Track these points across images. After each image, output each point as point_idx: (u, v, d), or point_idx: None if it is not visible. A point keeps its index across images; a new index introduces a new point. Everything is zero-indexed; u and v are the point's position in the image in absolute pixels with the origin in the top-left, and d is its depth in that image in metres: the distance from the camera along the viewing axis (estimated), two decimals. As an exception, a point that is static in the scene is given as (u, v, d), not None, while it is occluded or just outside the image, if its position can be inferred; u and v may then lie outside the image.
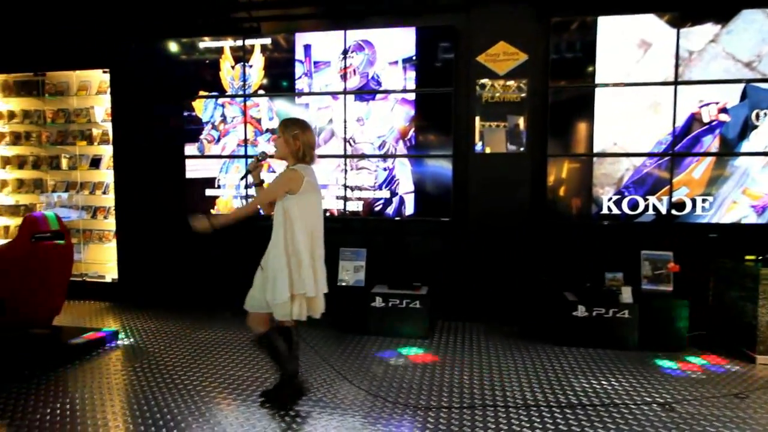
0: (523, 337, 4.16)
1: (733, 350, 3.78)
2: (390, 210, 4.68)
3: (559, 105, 4.35)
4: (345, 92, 4.69)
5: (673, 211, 4.21)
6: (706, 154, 4.15)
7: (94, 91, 5.36)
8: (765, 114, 4.05)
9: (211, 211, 5.04)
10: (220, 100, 5.00)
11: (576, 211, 4.40)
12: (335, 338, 4.14)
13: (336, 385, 3.18)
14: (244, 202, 4.95)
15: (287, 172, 2.73)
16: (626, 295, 3.92)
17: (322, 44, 4.72)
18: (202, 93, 5.03)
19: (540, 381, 3.28)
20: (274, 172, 4.85)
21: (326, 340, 4.10)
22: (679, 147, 4.19)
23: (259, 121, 4.94)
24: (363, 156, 4.70)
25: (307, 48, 4.75)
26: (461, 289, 4.63)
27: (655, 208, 4.24)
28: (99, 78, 5.33)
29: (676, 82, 4.15)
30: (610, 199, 4.31)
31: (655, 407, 2.89)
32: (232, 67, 4.94)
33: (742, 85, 4.06)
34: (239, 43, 4.89)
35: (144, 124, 5.17)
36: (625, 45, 4.21)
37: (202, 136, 5.06)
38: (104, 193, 5.36)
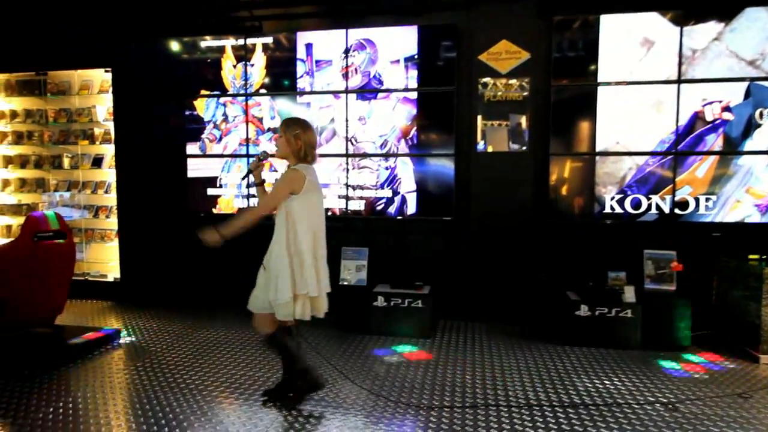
0: (525, 337, 4.15)
1: (737, 350, 3.77)
2: (392, 209, 4.67)
3: (562, 104, 4.34)
4: (347, 91, 4.68)
5: (676, 210, 4.20)
6: (710, 152, 4.13)
7: (95, 90, 5.36)
8: (769, 112, 4.03)
9: (212, 210, 5.04)
10: (222, 99, 4.99)
11: (578, 210, 4.38)
12: (337, 338, 4.14)
13: (338, 384, 3.17)
14: (245, 201, 4.95)
15: (289, 173, 2.72)
16: (629, 294, 3.90)
17: (323, 43, 4.71)
18: (203, 92, 5.02)
19: (542, 380, 3.27)
20: (276, 171, 4.85)
21: (328, 339, 4.10)
22: (682, 146, 4.17)
23: (260, 120, 4.93)
24: (365, 155, 4.69)
25: (309, 47, 4.74)
26: (463, 289, 4.62)
27: (658, 207, 4.23)
28: (101, 77, 5.33)
29: (679, 81, 4.13)
30: (612, 198, 4.30)
31: (658, 407, 2.88)
32: (234, 66, 4.93)
33: (745, 84, 4.04)
34: (241, 42, 4.88)
35: (145, 123, 5.17)
36: (627, 43, 4.20)
37: (203, 136, 5.06)
38: (106, 192, 5.36)
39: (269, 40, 4.84)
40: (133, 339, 4.09)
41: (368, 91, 4.65)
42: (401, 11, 4.64)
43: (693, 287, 4.02)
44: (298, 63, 4.77)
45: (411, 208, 4.63)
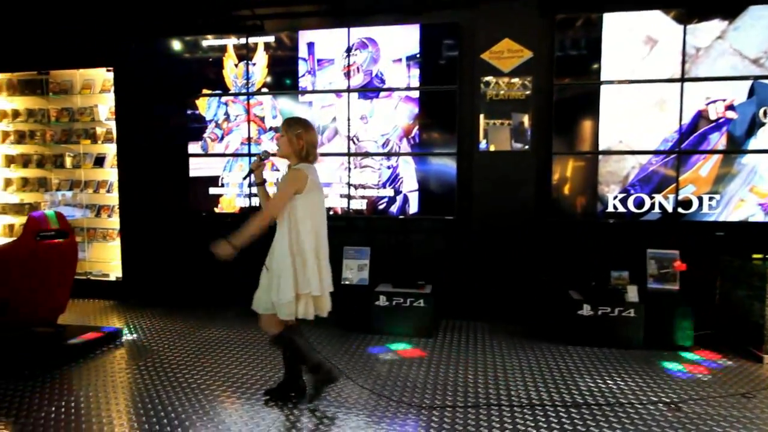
0: (527, 336, 4.14)
1: (740, 349, 3.75)
2: (394, 208, 4.66)
3: (564, 102, 4.32)
4: (348, 90, 4.67)
5: (680, 209, 4.18)
6: (713, 151, 4.11)
7: (97, 89, 5.36)
8: (773, 111, 4.01)
9: (214, 209, 5.04)
10: (224, 99, 4.99)
11: (581, 209, 4.37)
12: (339, 337, 4.13)
13: (340, 383, 3.16)
14: (247, 200, 4.95)
15: (292, 173, 2.72)
16: (632, 293, 3.89)
17: (325, 42, 4.70)
18: (205, 91, 5.02)
19: (545, 380, 3.26)
20: (278, 170, 4.85)
21: (330, 338, 4.09)
22: (686, 144, 4.15)
23: (262, 119, 4.93)
24: (367, 154, 4.69)
25: (311, 46, 4.74)
26: (466, 288, 4.61)
27: (661, 206, 4.21)
28: (103, 76, 5.34)
29: (682, 79, 4.11)
30: (615, 197, 4.28)
31: (661, 407, 2.86)
32: (236, 65, 4.93)
33: (749, 82, 4.02)
34: (242, 41, 4.88)
35: (147, 122, 5.17)
36: (630, 42, 4.18)
37: (205, 135, 5.06)
38: (108, 191, 5.37)
39: (271, 39, 4.83)
40: (135, 338, 4.09)
41: (370, 90, 4.64)
42: (403, 10, 4.63)
43: (696, 287, 4.01)
44: (300, 62, 4.77)
45: (413, 208, 4.62)
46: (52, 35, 5.20)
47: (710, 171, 4.12)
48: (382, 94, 4.62)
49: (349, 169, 4.72)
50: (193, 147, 5.07)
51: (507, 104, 4.40)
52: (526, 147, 4.40)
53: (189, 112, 5.07)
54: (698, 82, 4.09)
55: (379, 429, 2.61)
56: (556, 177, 4.38)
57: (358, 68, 4.65)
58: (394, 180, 4.65)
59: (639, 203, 4.25)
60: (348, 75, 4.67)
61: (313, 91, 4.77)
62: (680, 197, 4.17)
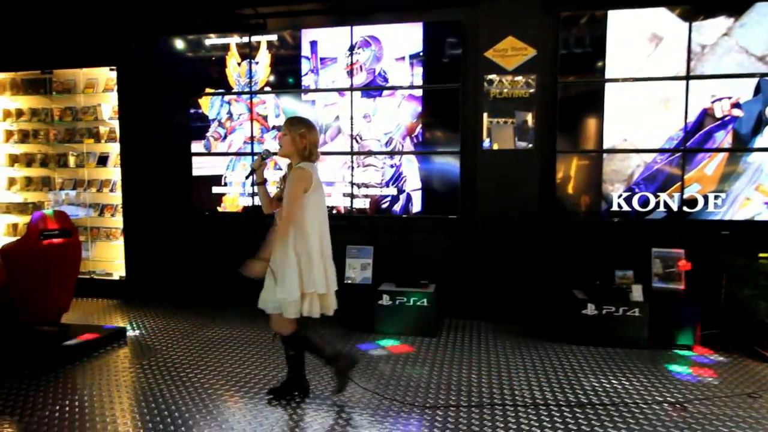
0: (531, 336, 4.13)
1: (746, 349, 3.73)
2: (397, 207, 4.65)
3: (569, 101, 4.30)
4: (351, 89, 4.66)
5: (685, 208, 4.15)
6: (719, 150, 4.08)
7: (101, 88, 5.36)
8: (779, 109, 3.98)
9: (217, 208, 5.04)
10: (227, 98, 4.99)
11: (585, 208, 4.35)
12: (342, 336, 4.13)
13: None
14: (250, 199, 4.95)
15: (298, 172, 2.72)
16: (636, 293, 3.87)
17: (328, 40, 4.69)
18: (208, 90, 5.02)
19: (549, 380, 3.25)
20: (280, 169, 4.84)
21: (333, 337, 4.09)
22: (691, 143, 4.12)
23: (265, 118, 4.92)
24: (370, 153, 4.68)
25: (314, 44, 4.73)
26: (469, 287, 4.60)
27: (666, 205, 4.18)
28: (106, 75, 5.34)
29: (687, 77, 4.08)
30: (620, 196, 4.26)
31: (666, 407, 2.85)
32: (239, 64, 4.92)
33: (755, 80, 3.99)
34: (245, 39, 4.87)
35: (151, 121, 5.18)
36: (635, 39, 4.15)
37: (208, 134, 5.05)
38: (111, 190, 5.37)
39: (274, 37, 4.82)
40: (139, 337, 4.10)
41: (373, 88, 4.63)
42: (406, 8, 4.61)
43: (701, 286, 3.98)
44: (303, 60, 4.76)
45: (416, 207, 4.61)
46: (55, 34, 5.20)
47: (716, 169, 4.10)
48: (385, 92, 4.61)
49: (352, 168, 4.71)
50: (196, 146, 5.07)
51: (511, 102, 4.38)
52: (530, 145, 4.38)
53: (192, 110, 5.07)
54: (704, 79, 4.06)
55: (382, 429, 2.60)
56: (560, 175, 4.36)
57: (361, 67, 4.63)
58: (397, 179, 4.64)
59: (644, 202, 4.22)
60: (351, 73, 4.66)
61: (316, 90, 4.76)
62: (685, 196, 4.15)
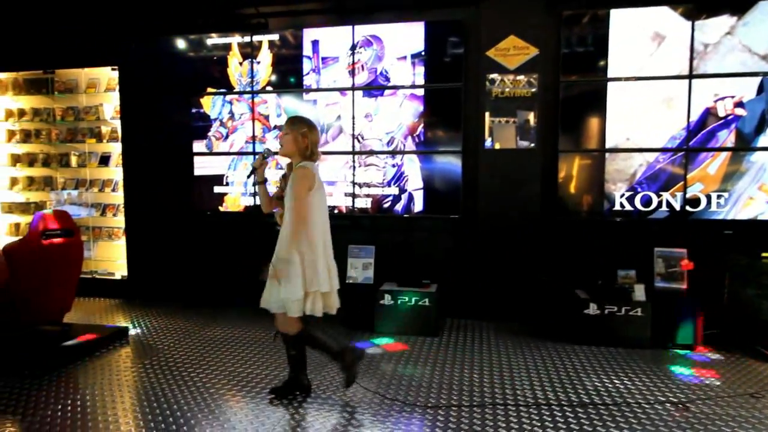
0: (533, 336, 4.12)
1: (749, 349, 3.72)
2: (399, 207, 4.65)
3: (571, 100, 4.29)
4: (353, 88, 4.66)
5: (687, 208, 4.14)
6: (722, 149, 4.07)
7: (102, 88, 5.37)
8: (782, 108, 3.96)
9: (219, 208, 5.04)
10: (228, 97, 4.99)
11: (587, 207, 4.34)
12: (344, 335, 4.12)
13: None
14: (252, 199, 4.95)
15: (302, 171, 2.72)
16: (639, 292, 3.86)
17: (330, 40, 4.69)
18: (210, 90, 5.02)
19: (551, 379, 3.24)
20: (282, 168, 4.84)
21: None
22: (694, 142, 4.11)
23: (267, 117, 4.92)
24: (371, 152, 4.67)
25: (315, 44, 4.72)
26: (471, 287, 4.59)
27: (668, 204, 4.17)
28: (108, 75, 5.35)
29: (690, 76, 4.07)
30: (622, 196, 4.25)
31: (668, 407, 2.84)
32: (240, 64, 4.92)
33: (758, 79, 3.97)
34: (247, 39, 4.87)
35: (152, 121, 5.18)
36: (638, 38, 4.14)
37: (210, 133, 5.06)
38: (113, 190, 5.38)
39: (275, 37, 4.82)
40: (141, 336, 4.10)
41: (375, 87, 4.62)
42: (408, 7, 4.60)
43: (704, 286, 3.97)
44: (305, 60, 4.75)
45: (418, 206, 4.60)
46: (57, 34, 5.21)
47: (718, 169, 4.08)
48: (386, 92, 4.60)
49: (354, 167, 4.71)
50: (198, 145, 5.07)
51: (513, 102, 4.37)
52: (532, 145, 4.37)
53: (194, 110, 5.07)
54: (706, 78, 4.05)
55: (384, 428, 2.60)
56: (562, 175, 4.35)
57: (362, 66, 4.63)
58: (399, 178, 4.63)
59: (646, 201, 4.21)
60: (353, 73, 4.65)
61: (318, 89, 4.76)
62: (688, 195, 4.13)
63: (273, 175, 4.72)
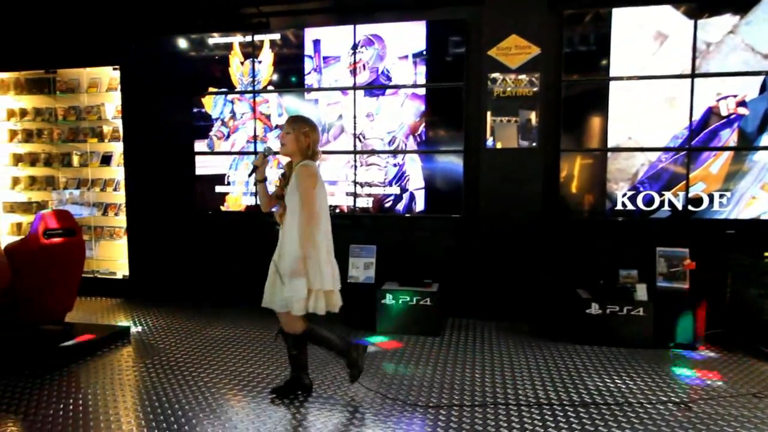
0: (535, 335, 4.11)
1: (751, 349, 3.71)
2: (400, 206, 4.64)
3: (573, 99, 4.28)
4: (355, 87, 4.65)
5: (690, 207, 4.13)
6: (724, 148, 4.06)
7: (104, 88, 5.37)
8: (785, 107, 3.95)
9: (221, 207, 5.04)
10: (230, 97, 4.99)
11: (589, 207, 4.33)
12: (345, 335, 4.12)
13: (346, 382, 3.15)
14: (253, 198, 4.95)
15: (306, 169, 2.73)
16: (641, 292, 3.85)
17: (331, 39, 4.68)
18: (211, 89, 5.02)
19: (553, 379, 3.23)
20: (282, 169, 4.84)
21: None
22: (696, 141, 4.10)
23: (268, 117, 4.92)
24: (373, 152, 4.67)
25: (317, 43, 4.72)
26: (472, 287, 4.58)
27: (670, 203, 4.16)
28: (109, 75, 5.35)
29: (693, 75, 4.06)
30: (624, 195, 4.24)
31: (670, 406, 2.83)
32: (242, 63, 4.92)
33: (761, 78, 3.96)
34: (248, 38, 4.87)
35: (154, 120, 5.18)
36: (640, 37, 4.13)
37: (211, 133, 5.06)
38: (115, 190, 5.38)
39: (277, 36, 4.82)
40: (142, 336, 4.11)
41: (376, 87, 4.62)
42: (410, 6, 4.60)
43: (706, 285, 3.96)
44: (306, 59, 4.75)
45: (419, 206, 4.60)
46: (59, 34, 5.21)
47: (721, 168, 4.07)
48: (388, 91, 4.60)
49: (355, 167, 4.70)
50: (200, 145, 5.08)
51: (514, 101, 4.36)
52: (534, 144, 4.36)
53: (195, 110, 5.07)
54: (709, 77, 4.04)
55: (386, 428, 2.60)
56: (564, 174, 4.34)
57: (364, 65, 4.63)
58: (400, 178, 4.63)
59: (648, 201, 4.20)
60: (354, 72, 4.65)
61: (319, 89, 4.75)
62: (690, 195, 4.12)
63: (274, 175, 4.72)
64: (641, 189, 4.21)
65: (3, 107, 5.59)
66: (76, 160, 5.50)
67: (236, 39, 4.91)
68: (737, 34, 3.97)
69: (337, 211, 4.75)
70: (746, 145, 4.02)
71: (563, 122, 4.30)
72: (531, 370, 3.40)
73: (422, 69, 4.51)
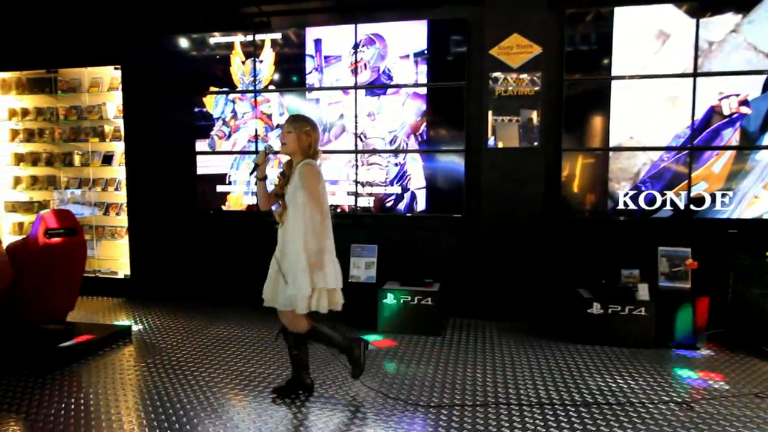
0: (536, 335, 4.11)
1: (753, 348, 3.70)
2: (401, 206, 4.64)
3: (574, 98, 4.28)
4: (356, 87, 4.65)
5: (692, 207, 4.12)
6: (726, 147, 4.05)
7: (105, 87, 5.38)
8: (788, 106, 3.94)
9: (222, 207, 5.04)
10: (231, 96, 4.99)
11: (591, 206, 4.32)
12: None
13: (348, 382, 3.15)
14: (255, 198, 4.95)
15: (308, 168, 2.74)
16: (643, 292, 3.84)
17: (332, 38, 4.68)
18: (212, 89, 5.02)
19: (554, 379, 3.23)
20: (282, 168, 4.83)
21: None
22: (698, 141, 4.09)
23: (269, 116, 4.92)
24: (374, 151, 4.66)
25: (318, 42, 4.72)
26: (474, 286, 4.58)
27: (672, 203, 4.15)
28: (110, 75, 5.35)
29: (695, 74, 4.05)
30: (626, 195, 4.23)
31: (672, 406, 2.82)
32: (243, 63, 4.92)
33: (764, 77, 3.95)
34: (249, 38, 4.87)
35: (155, 120, 5.18)
36: (642, 36, 4.12)
37: (212, 132, 5.06)
38: (116, 189, 5.39)
39: (278, 36, 4.82)
40: (143, 335, 4.11)
41: (378, 86, 4.62)
42: (411, 5, 4.59)
43: (708, 285, 3.95)
44: (307, 59, 4.75)
45: (421, 205, 4.60)
46: (60, 34, 5.22)
47: (723, 167, 4.06)
48: (389, 90, 4.60)
49: (357, 166, 4.70)
50: (201, 145, 5.08)
51: (516, 100, 4.35)
52: (535, 144, 4.36)
53: (196, 109, 5.07)
54: (711, 76, 4.03)
55: (387, 427, 2.60)
56: (566, 174, 4.33)
57: (365, 65, 4.62)
58: (401, 177, 4.63)
59: (650, 200, 4.19)
60: (355, 72, 4.64)
61: (321, 88, 4.75)
62: (692, 194, 4.11)
63: (274, 175, 4.72)
64: (643, 188, 4.20)
65: (5, 107, 5.59)
66: (77, 159, 5.50)
67: (237, 38, 4.91)
68: (739, 32, 3.96)
69: (339, 210, 4.75)
70: (748, 144, 4.01)
71: (565, 121, 4.29)
72: (532, 369, 3.40)
73: (423, 68, 4.51)
